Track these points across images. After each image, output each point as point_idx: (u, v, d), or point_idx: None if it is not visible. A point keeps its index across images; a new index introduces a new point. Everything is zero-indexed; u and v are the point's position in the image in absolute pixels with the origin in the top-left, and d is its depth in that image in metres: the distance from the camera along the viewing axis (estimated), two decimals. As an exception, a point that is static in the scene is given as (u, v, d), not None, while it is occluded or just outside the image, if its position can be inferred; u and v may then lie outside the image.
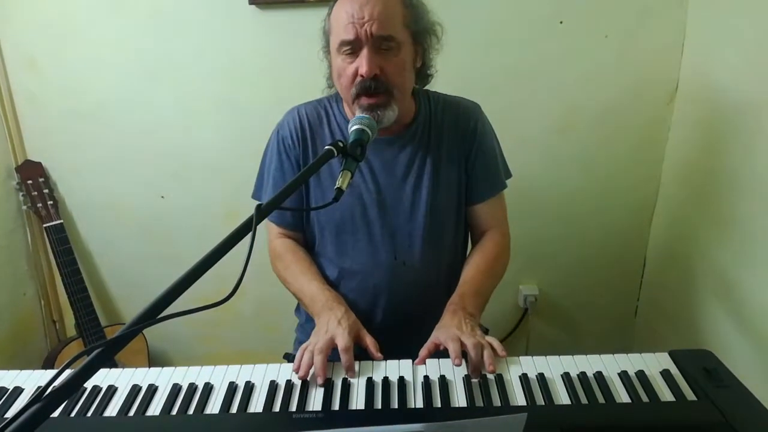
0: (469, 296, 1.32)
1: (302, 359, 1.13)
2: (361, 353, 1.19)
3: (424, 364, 1.15)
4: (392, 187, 1.39)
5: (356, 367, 1.14)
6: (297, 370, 1.13)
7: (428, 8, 1.34)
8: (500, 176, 1.49)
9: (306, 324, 1.56)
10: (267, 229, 1.51)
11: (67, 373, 0.66)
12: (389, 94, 1.27)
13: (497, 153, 1.49)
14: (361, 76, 1.24)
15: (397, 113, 1.30)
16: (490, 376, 1.10)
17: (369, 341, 1.21)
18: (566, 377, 1.09)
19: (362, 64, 1.23)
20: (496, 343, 1.16)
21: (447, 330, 1.20)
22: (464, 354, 1.14)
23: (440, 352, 1.17)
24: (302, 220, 1.48)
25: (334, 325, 1.21)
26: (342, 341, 1.15)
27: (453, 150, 1.41)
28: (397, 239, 1.40)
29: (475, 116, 1.44)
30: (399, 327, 1.42)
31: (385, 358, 1.17)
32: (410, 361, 1.16)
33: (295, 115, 1.44)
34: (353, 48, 1.24)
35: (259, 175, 1.51)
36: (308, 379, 1.12)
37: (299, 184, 1.00)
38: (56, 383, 0.65)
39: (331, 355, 1.17)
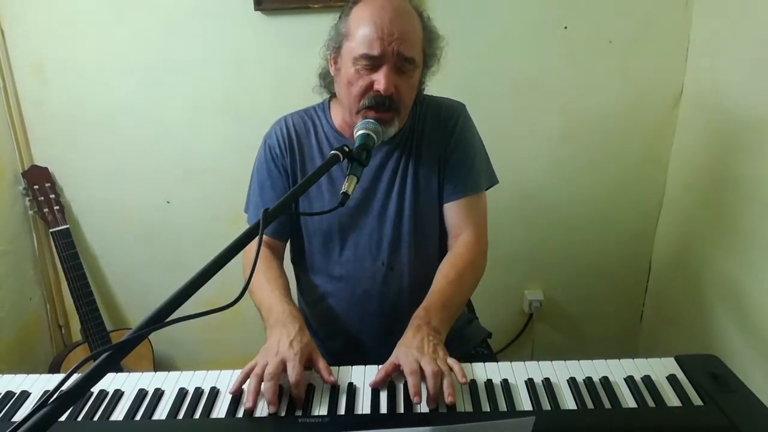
0: (435, 310, 1.24)
1: (248, 385, 1.05)
2: (361, 358, 1.18)
3: (381, 386, 1.09)
4: (379, 194, 1.39)
5: (364, 371, 1.14)
6: (234, 392, 1.07)
7: (438, 32, 1.33)
8: (476, 178, 1.41)
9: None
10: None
11: (75, 377, 0.67)
12: (396, 112, 1.27)
13: (476, 154, 1.43)
14: (378, 91, 1.22)
15: (396, 129, 1.30)
16: (497, 381, 1.10)
17: (321, 365, 1.12)
18: (572, 382, 1.09)
19: (381, 80, 1.21)
20: (457, 368, 1.08)
21: (407, 351, 1.11)
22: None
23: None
24: (288, 228, 1.46)
25: (285, 346, 1.11)
26: (293, 374, 1.05)
27: (433, 151, 1.39)
28: (383, 245, 1.39)
29: (456, 114, 1.42)
30: (391, 332, 1.40)
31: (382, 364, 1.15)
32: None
33: (282, 125, 1.44)
34: (374, 63, 1.22)
35: (249, 189, 1.50)
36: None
37: (305, 189, 1.00)
38: (64, 387, 0.65)
39: (333, 359, 1.17)
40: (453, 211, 1.41)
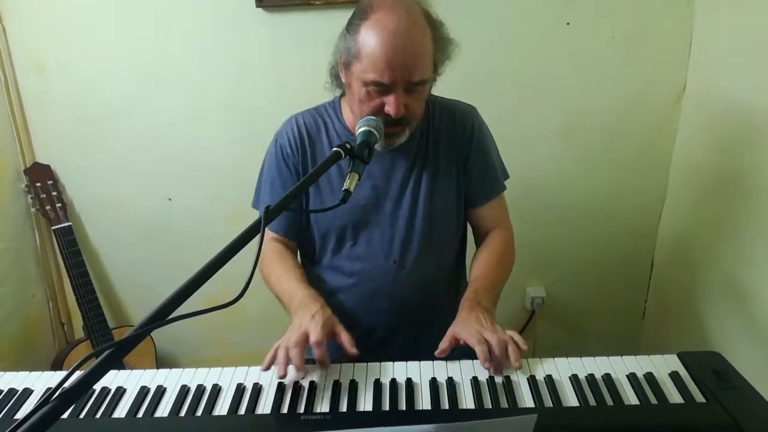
0: (482, 291, 1.32)
1: (277, 357, 1.12)
2: (364, 356, 1.19)
3: (445, 360, 1.15)
4: (392, 193, 1.39)
5: (366, 368, 1.14)
6: (266, 369, 1.13)
7: (448, 33, 1.31)
8: (499, 178, 1.49)
9: None
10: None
11: (77, 374, 0.67)
12: (407, 125, 1.29)
13: (494, 155, 1.48)
14: (388, 113, 1.22)
15: (406, 138, 1.32)
16: (498, 379, 1.10)
17: (344, 337, 1.19)
18: (574, 379, 1.09)
19: (391, 104, 1.21)
20: (517, 336, 1.16)
21: (466, 326, 1.19)
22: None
23: (458, 355, 1.17)
24: (298, 228, 1.47)
25: (307, 320, 1.19)
26: (314, 335, 1.14)
27: (450, 154, 1.41)
28: (395, 244, 1.40)
29: (471, 120, 1.44)
30: (401, 329, 1.42)
31: (392, 360, 1.17)
32: (418, 363, 1.16)
33: (293, 123, 1.44)
34: (384, 89, 1.21)
35: (257, 185, 1.51)
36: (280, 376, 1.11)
37: (306, 187, 1.01)
38: (66, 385, 0.65)
39: (336, 357, 1.17)
40: (482, 214, 1.49)
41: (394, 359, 1.17)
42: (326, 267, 1.46)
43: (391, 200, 1.39)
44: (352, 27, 1.24)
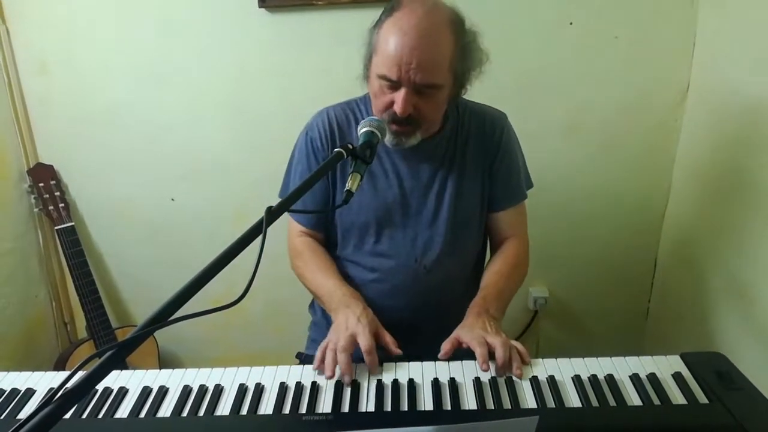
0: (491, 299, 1.33)
1: (325, 359, 1.14)
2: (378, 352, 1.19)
3: (447, 360, 1.16)
4: (417, 193, 1.40)
5: (367, 369, 1.14)
6: (317, 369, 1.14)
7: (479, 40, 1.31)
8: (522, 186, 1.50)
9: (320, 321, 1.57)
10: (288, 227, 1.52)
11: (79, 374, 0.67)
12: (417, 126, 1.28)
13: (520, 163, 1.50)
14: (395, 112, 1.23)
15: (419, 140, 1.32)
16: (500, 380, 1.10)
17: (388, 339, 1.22)
18: (577, 380, 1.09)
19: (398, 101, 1.22)
20: (521, 348, 1.16)
21: (471, 330, 1.20)
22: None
23: (460, 355, 1.17)
24: (324, 220, 1.48)
25: (353, 322, 1.21)
26: (364, 342, 1.15)
27: (478, 159, 1.42)
28: (418, 243, 1.41)
29: (500, 126, 1.45)
30: (416, 329, 1.42)
31: (399, 360, 1.17)
32: (420, 363, 1.16)
33: (324, 117, 1.44)
34: (393, 84, 1.22)
35: (285, 176, 1.51)
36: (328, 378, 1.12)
37: (309, 187, 1.00)
38: (68, 385, 0.65)
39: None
40: (501, 220, 1.50)
41: (401, 359, 1.17)
42: (347, 261, 1.47)
43: (416, 200, 1.40)
44: (378, 22, 1.26)
